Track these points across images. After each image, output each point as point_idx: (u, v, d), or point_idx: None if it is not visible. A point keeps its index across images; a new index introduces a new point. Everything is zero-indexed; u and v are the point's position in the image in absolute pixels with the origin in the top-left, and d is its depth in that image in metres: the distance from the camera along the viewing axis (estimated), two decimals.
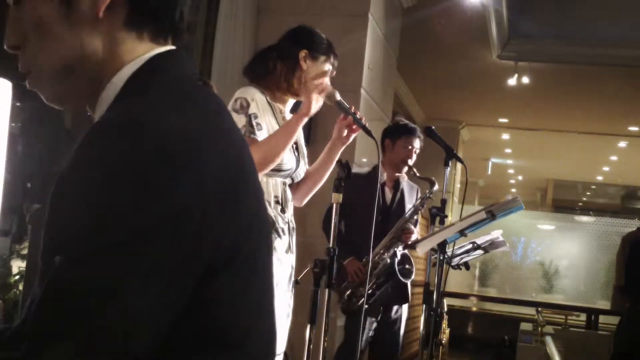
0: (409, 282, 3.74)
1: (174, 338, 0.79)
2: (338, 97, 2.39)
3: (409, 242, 3.61)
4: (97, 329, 0.72)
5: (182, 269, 0.77)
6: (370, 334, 3.73)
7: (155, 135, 0.77)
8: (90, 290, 0.72)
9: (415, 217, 3.68)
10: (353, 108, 2.42)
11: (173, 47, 0.94)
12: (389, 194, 3.82)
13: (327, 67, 2.45)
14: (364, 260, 3.54)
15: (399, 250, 3.58)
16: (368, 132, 2.40)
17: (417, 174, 3.71)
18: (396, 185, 3.85)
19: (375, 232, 2.48)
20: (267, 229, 0.95)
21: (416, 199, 3.83)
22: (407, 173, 3.79)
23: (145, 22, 0.91)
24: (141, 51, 0.90)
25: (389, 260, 3.55)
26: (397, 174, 3.81)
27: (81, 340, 0.71)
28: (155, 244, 0.75)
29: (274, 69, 2.43)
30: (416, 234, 3.68)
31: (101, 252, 0.73)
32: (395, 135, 3.80)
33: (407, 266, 3.63)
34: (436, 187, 3.62)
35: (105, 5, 0.87)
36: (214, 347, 0.82)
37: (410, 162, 3.73)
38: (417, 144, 3.78)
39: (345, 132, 2.45)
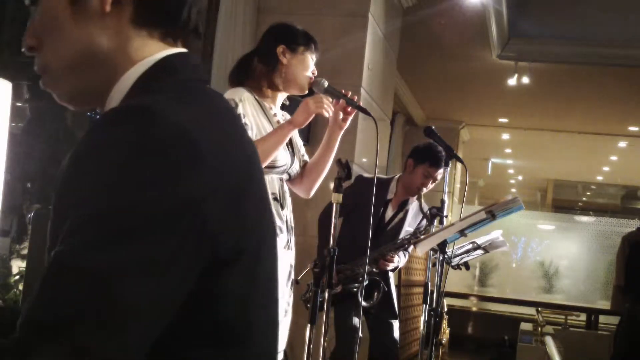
0: (394, 300, 3.66)
1: (176, 333, 0.79)
2: (326, 84, 2.40)
3: (385, 269, 3.53)
4: (96, 314, 0.72)
5: (186, 260, 0.77)
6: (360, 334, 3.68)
7: (167, 125, 0.78)
8: (92, 275, 0.72)
9: (402, 249, 3.55)
10: (344, 90, 2.41)
11: (184, 50, 0.94)
12: (390, 212, 3.68)
13: (308, 56, 2.45)
14: (341, 266, 3.37)
15: (367, 277, 3.35)
16: (363, 110, 2.40)
17: (422, 207, 3.55)
18: (402, 205, 3.69)
19: (363, 245, 2.47)
20: (273, 228, 0.96)
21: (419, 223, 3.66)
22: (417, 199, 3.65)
23: (153, 20, 0.91)
24: (151, 50, 0.91)
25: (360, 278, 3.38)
26: (407, 195, 3.67)
27: (78, 325, 0.71)
28: (161, 233, 0.75)
29: (255, 70, 2.46)
30: (397, 262, 3.57)
31: (107, 237, 0.73)
32: (420, 158, 3.62)
33: (375, 293, 3.47)
34: (435, 225, 3.39)
35: None
36: (216, 343, 0.83)
37: (424, 190, 3.59)
38: (438, 175, 3.59)
39: (341, 116, 2.44)
